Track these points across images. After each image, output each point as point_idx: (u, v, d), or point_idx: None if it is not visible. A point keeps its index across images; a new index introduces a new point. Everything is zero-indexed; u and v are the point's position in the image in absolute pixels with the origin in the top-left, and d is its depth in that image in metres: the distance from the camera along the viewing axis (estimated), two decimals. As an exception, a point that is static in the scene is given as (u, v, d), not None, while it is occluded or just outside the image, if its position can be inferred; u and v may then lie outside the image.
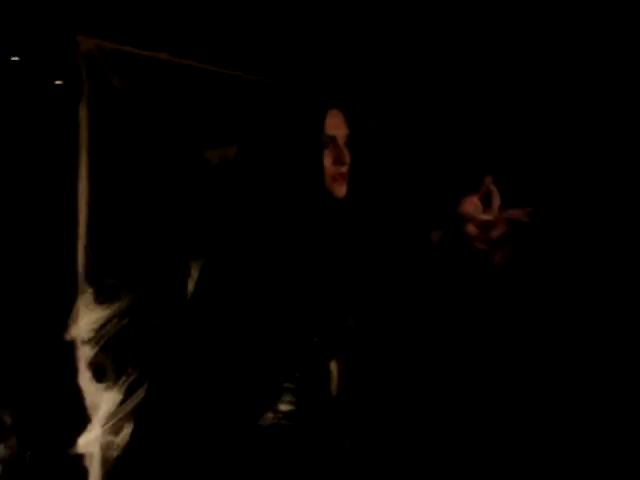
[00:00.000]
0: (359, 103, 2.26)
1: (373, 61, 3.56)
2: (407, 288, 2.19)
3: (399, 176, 2.30)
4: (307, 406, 2.14)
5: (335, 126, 2.15)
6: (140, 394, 3.36)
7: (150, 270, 3.39)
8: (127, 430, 3.34)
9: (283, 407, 2.11)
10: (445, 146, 3.55)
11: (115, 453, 3.28)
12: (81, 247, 3.28)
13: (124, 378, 3.35)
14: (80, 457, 3.25)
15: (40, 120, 3.24)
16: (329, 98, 2.17)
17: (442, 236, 2.10)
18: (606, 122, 3.37)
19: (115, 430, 3.33)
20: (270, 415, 2.09)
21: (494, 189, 2.04)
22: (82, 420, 3.29)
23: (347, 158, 2.16)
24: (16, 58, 3.27)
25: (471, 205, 2.06)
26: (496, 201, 2.03)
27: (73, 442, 3.25)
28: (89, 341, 3.31)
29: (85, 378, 3.29)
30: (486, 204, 2.05)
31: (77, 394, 3.27)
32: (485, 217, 2.03)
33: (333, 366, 2.28)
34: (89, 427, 3.29)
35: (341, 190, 2.16)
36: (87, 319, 3.30)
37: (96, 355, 3.32)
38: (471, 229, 2.05)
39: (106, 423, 3.32)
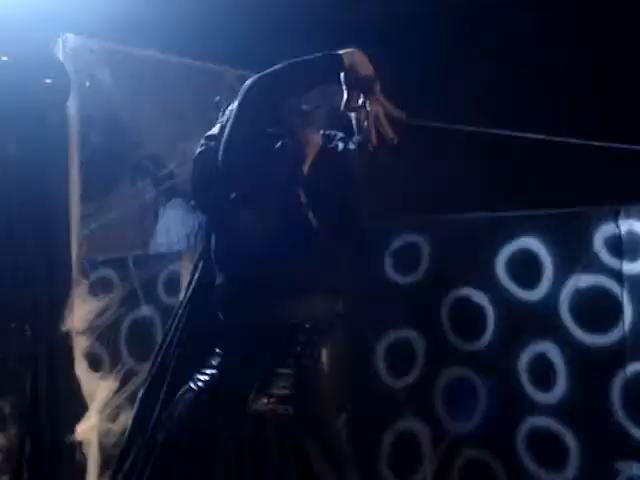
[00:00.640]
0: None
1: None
2: None
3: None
4: (301, 391, 2.20)
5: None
6: (135, 383, 3.44)
7: (143, 262, 3.46)
8: (123, 417, 3.42)
9: (277, 392, 2.16)
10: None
11: (112, 440, 3.35)
12: (75, 241, 3.34)
13: (119, 367, 3.43)
14: (79, 444, 3.32)
15: (31, 118, 3.27)
16: None
17: None
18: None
19: (112, 417, 3.40)
20: (264, 400, 2.15)
21: None
22: (80, 408, 3.35)
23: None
24: (4, 58, 3.29)
25: None
26: None
27: (71, 430, 3.31)
28: (84, 332, 3.37)
29: (81, 368, 3.36)
30: None
31: (74, 383, 3.34)
32: None
33: (324, 351, 2.33)
34: (87, 415, 3.36)
35: (315, 137, 2.25)
36: (82, 310, 3.36)
37: (91, 345, 3.39)
38: None
39: (103, 411, 3.39)
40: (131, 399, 3.40)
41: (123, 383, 3.43)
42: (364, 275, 3.13)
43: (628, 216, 3.29)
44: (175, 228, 3.63)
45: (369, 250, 2.42)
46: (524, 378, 3.45)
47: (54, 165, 3.34)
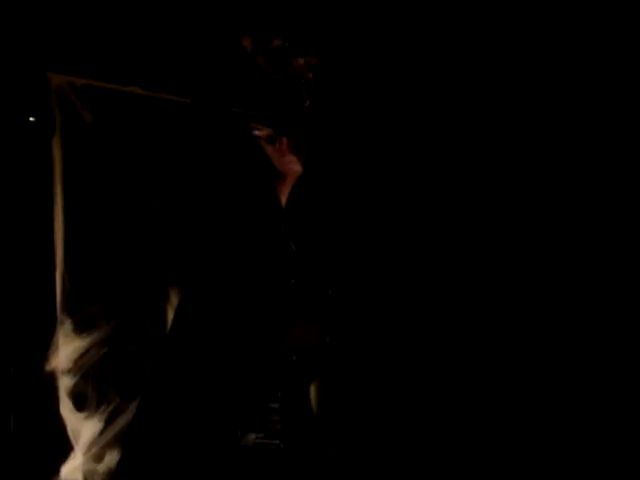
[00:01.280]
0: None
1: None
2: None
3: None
4: (290, 425, 2.19)
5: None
6: (121, 422, 3.41)
7: (128, 298, 3.44)
8: (109, 457, 3.38)
9: (266, 426, 2.16)
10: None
11: (98, 480, 3.32)
12: (59, 278, 3.32)
13: (105, 406, 3.39)
14: (64, 485, 3.28)
15: (14, 156, 3.27)
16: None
17: None
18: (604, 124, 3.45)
19: (97, 458, 3.36)
20: (253, 435, 2.14)
21: None
22: (64, 449, 3.31)
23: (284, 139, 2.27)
24: (-13, 96, 3.30)
25: None
26: None
27: (56, 471, 3.27)
28: (69, 371, 3.34)
29: (66, 407, 3.32)
30: None
31: (59, 424, 3.30)
32: None
33: (313, 384, 2.33)
34: (71, 455, 3.32)
35: (296, 165, 2.28)
36: (66, 349, 3.33)
37: (76, 384, 3.35)
38: None
39: (88, 451, 3.35)
40: (117, 438, 3.36)
41: (109, 422, 3.39)
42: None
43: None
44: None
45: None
46: None
47: (37, 204, 3.32)
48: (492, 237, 3.64)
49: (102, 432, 3.38)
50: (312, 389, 2.34)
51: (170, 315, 3.47)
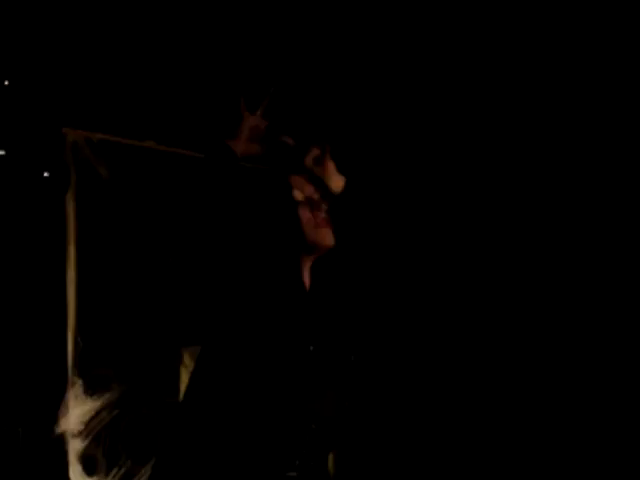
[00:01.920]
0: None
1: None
2: None
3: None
4: None
5: (299, 186, 2.26)
6: (132, 486, 3.32)
7: (141, 359, 3.37)
8: (119, 523, 3.29)
9: None
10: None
11: None
12: (70, 338, 3.26)
13: (116, 470, 3.31)
14: None
15: (29, 212, 3.24)
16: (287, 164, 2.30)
17: None
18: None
19: (107, 523, 3.27)
20: None
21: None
22: (74, 514, 3.23)
23: (322, 205, 2.25)
24: (2, 152, 3.29)
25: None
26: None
27: (65, 537, 3.19)
28: (79, 434, 3.27)
29: (76, 471, 3.25)
30: None
31: (68, 486, 3.22)
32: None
33: (331, 452, 2.26)
34: (81, 521, 3.23)
35: (328, 238, 2.23)
36: (77, 411, 3.26)
37: (87, 448, 3.28)
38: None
39: (98, 517, 3.26)
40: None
41: (120, 487, 3.31)
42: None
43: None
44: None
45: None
46: None
47: (50, 261, 3.28)
48: (499, 257, 3.62)
49: (112, 497, 3.29)
50: (330, 458, 2.28)
51: (184, 377, 3.40)
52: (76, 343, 3.27)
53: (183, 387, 3.40)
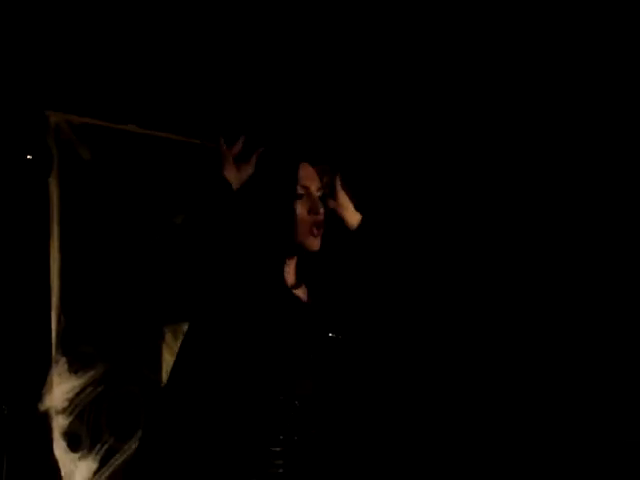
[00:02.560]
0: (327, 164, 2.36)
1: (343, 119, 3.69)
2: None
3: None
4: (293, 468, 2.15)
5: (308, 178, 2.26)
6: (115, 462, 3.37)
7: (124, 337, 3.41)
8: (103, 498, 3.34)
9: (269, 471, 2.12)
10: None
11: (91, 522, 3.27)
12: (54, 316, 3.29)
13: (99, 446, 3.35)
14: (56, 527, 3.23)
15: (11, 194, 3.26)
16: (301, 152, 2.31)
17: None
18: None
19: (91, 499, 3.32)
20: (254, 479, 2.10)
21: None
22: (58, 490, 3.26)
23: (321, 208, 2.25)
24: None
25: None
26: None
27: (49, 512, 3.22)
28: (63, 410, 3.30)
29: (60, 448, 3.28)
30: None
31: (52, 464, 3.26)
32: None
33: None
34: (65, 497, 3.27)
35: (315, 243, 2.24)
36: (61, 388, 3.30)
37: (71, 424, 3.32)
38: None
39: (82, 492, 3.31)
40: (112, 479, 3.32)
41: (103, 463, 3.35)
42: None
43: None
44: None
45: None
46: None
47: (34, 242, 3.31)
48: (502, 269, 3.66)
49: (96, 473, 3.34)
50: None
51: (166, 354, 3.45)
52: (59, 321, 3.30)
53: (165, 364, 3.46)
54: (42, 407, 3.26)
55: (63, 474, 3.29)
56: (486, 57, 3.63)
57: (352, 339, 2.29)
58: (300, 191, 2.24)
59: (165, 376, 3.45)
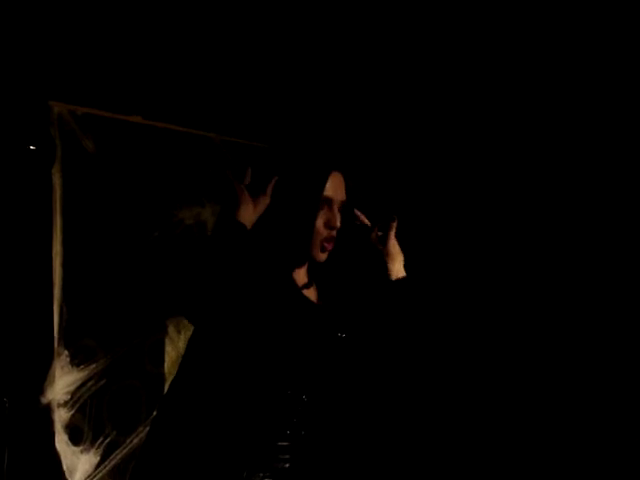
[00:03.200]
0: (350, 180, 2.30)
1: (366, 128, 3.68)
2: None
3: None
4: (300, 463, 2.13)
5: (334, 189, 2.19)
6: (117, 456, 3.35)
7: (126, 330, 3.40)
8: (105, 492, 3.33)
9: (275, 465, 2.10)
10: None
11: (93, 516, 3.26)
12: (57, 309, 3.27)
13: (101, 440, 3.34)
14: (58, 521, 3.22)
15: (14, 184, 3.24)
16: (335, 160, 2.22)
17: None
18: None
19: (93, 493, 3.31)
20: (260, 474, 2.09)
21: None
22: (59, 483, 3.25)
23: (338, 223, 2.19)
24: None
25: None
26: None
27: (51, 506, 3.21)
28: (65, 404, 3.29)
29: (62, 441, 3.27)
30: None
31: (54, 457, 3.24)
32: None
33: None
34: (67, 491, 3.26)
35: (322, 257, 2.20)
36: (63, 382, 3.28)
37: (72, 417, 3.30)
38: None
39: (83, 486, 3.30)
40: (113, 473, 3.31)
41: (105, 456, 3.34)
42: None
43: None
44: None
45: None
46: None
47: (36, 234, 3.29)
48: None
49: (98, 466, 3.33)
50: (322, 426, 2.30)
51: (168, 348, 3.43)
52: (62, 314, 3.28)
53: (168, 358, 3.45)
54: (44, 400, 3.24)
55: (64, 467, 3.27)
56: (488, 58, 3.62)
57: (360, 338, 2.27)
58: (322, 200, 2.18)
59: (167, 370, 3.43)
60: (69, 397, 3.29)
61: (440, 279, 3.64)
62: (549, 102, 3.57)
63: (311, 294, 2.25)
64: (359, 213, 2.34)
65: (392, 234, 2.32)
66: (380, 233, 2.33)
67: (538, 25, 3.48)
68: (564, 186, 3.55)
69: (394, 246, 2.32)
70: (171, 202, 3.48)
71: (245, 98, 3.57)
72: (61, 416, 3.27)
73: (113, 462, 3.33)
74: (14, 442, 3.17)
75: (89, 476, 3.31)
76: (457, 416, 3.66)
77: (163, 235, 3.45)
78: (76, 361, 3.31)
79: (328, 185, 2.18)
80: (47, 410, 3.25)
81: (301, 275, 2.25)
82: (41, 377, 3.25)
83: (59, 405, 3.27)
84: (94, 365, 3.34)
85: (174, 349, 3.43)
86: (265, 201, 2.15)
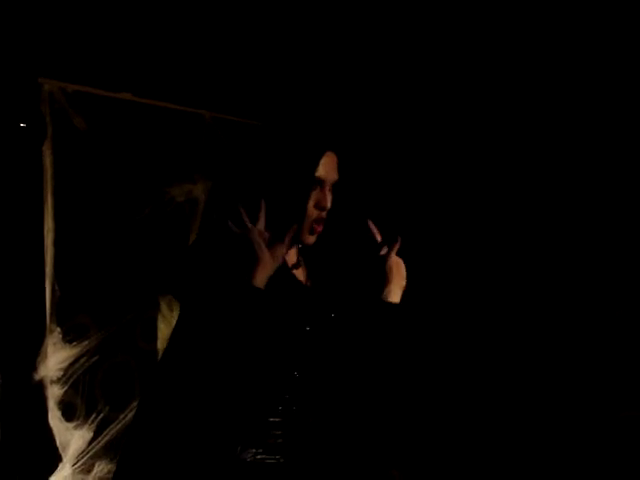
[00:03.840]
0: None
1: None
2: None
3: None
4: (291, 439, 2.14)
5: (327, 169, 2.16)
6: (110, 432, 3.37)
7: (118, 307, 3.41)
8: (98, 468, 3.34)
9: (267, 441, 2.11)
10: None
11: (86, 491, 3.28)
12: (48, 286, 3.28)
13: (94, 416, 3.36)
14: (52, 496, 3.24)
15: (5, 162, 3.23)
16: (328, 140, 2.19)
17: None
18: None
19: (86, 468, 3.33)
20: (253, 450, 2.09)
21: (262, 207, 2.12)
22: (53, 459, 3.27)
23: (329, 204, 2.17)
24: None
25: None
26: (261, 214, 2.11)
27: (44, 481, 3.23)
28: (58, 380, 3.30)
29: (55, 417, 3.29)
30: None
31: (47, 433, 3.26)
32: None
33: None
34: (60, 466, 3.28)
35: (310, 239, 2.18)
36: (56, 358, 3.29)
37: (65, 394, 3.32)
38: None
39: (77, 462, 3.31)
40: (106, 449, 3.33)
41: (98, 432, 3.36)
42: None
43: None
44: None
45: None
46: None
47: (28, 211, 3.29)
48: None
49: (91, 442, 3.35)
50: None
51: (160, 325, 3.45)
52: (54, 291, 3.28)
53: (160, 334, 3.46)
54: (37, 377, 3.26)
55: (58, 443, 3.29)
56: (488, 58, 3.62)
57: (348, 318, 2.27)
58: (314, 181, 2.15)
59: (160, 346, 3.45)
60: (62, 374, 3.30)
61: (436, 282, 3.64)
62: (549, 102, 3.57)
63: (300, 274, 2.25)
64: (373, 227, 2.29)
65: (393, 253, 2.27)
66: (385, 250, 2.28)
67: (538, 25, 3.47)
68: (564, 187, 3.55)
69: (398, 267, 2.27)
70: (162, 179, 3.48)
71: (236, 75, 3.57)
72: (54, 393, 3.29)
73: (106, 438, 3.35)
74: (8, 419, 3.18)
75: (82, 452, 3.32)
76: (448, 395, 3.68)
77: (154, 212, 3.45)
78: (68, 338, 3.32)
79: (321, 165, 2.15)
80: (40, 387, 3.26)
81: (291, 255, 2.23)
82: (34, 354, 3.26)
83: (52, 382, 3.28)
84: (86, 342, 3.35)
85: (167, 326, 3.44)
86: (282, 252, 2.09)
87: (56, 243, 3.30)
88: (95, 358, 3.36)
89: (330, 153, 2.18)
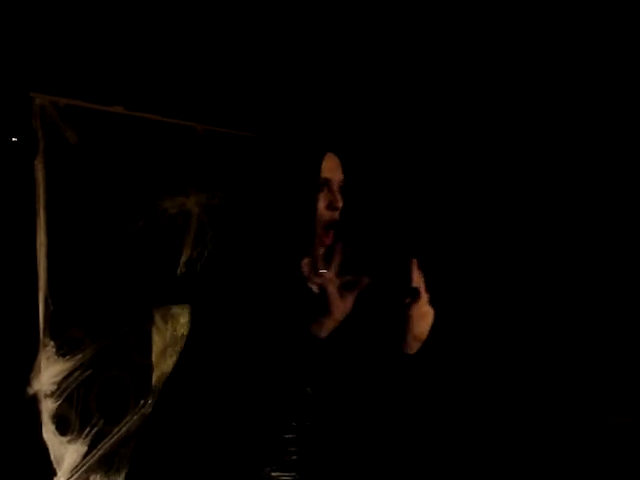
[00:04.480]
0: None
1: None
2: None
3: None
4: (306, 456, 2.13)
5: (331, 169, 2.17)
6: (105, 446, 3.37)
7: (112, 320, 3.40)
8: (92, 481, 3.34)
9: (282, 458, 2.09)
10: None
11: (81, 506, 3.27)
12: (42, 300, 3.28)
13: (88, 430, 3.35)
14: (46, 511, 3.23)
15: (-3, 176, 3.24)
16: (327, 142, 2.20)
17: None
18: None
19: (81, 482, 3.32)
20: (268, 469, 2.07)
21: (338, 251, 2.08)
22: (47, 473, 3.26)
23: (340, 203, 2.16)
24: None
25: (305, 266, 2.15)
26: (336, 260, 2.07)
27: (39, 496, 3.22)
28: (52, 394, 3.30)
29: (49, 431, 3.28)
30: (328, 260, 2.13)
31: (41, 448, 3.25)
32: (317, 280, 2.08)
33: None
34: (54, 480, 3.28)
35: (320, 251, 2.16)
36: (49, 372, 3.29)
37: (59, 407, 3.31)
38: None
39: (71, 476, 3.31)
40: (101, 462, 3.33)
41: (92, 446, 3.35)
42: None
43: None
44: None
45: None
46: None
47: (20, 226, 3.29)
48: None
49: (85, 456, 3.34)
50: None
51: (155, 338, 3.45)
52: (47, 304, 3.28)
53: (155, 347, 3.46)
54: (30, 391, 3.25)
55: (52, 457, 3.28)
56: (488, 58, 3.64)
57: (365, 331, 2.25)
58: (321, 182, 2.14)
59: (155, 359, 3.45)
60: (56, 387, 3.30)
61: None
62: (549, 102, 3.58)
63: (315, 284, 2.23)
64: (415, 269, 2.16)
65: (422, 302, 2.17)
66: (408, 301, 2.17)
67: (538, 25, 3.49)
68: (564, 188, 3.56)
69: (425, 317, 2.16)
70: (155, 192, 3.49)
71: (228, 87, 3.58)
72: (48, 406, 3.28)
73: (101, 451, 3.35)
74: (1, 433, 3.17)
75: (77, 466, 3.32)
76: (456, 401, 3.68)
77: (147, 225, 3.46)
78: (62, 351, 3.31)
79: (324, 167, 2.15)
80: (34, 401, 3.26)
81: (308, 263, 2.20)
82: (27, 368, 3.26)
83: (46, 396, 3.28)
84: (80, 355, 3.35)
85: (161, 339, 3.44)
86: (350, 305, 2.04)
87: (49, 257, 3.29)
88: (89, 372, 3.35)
89: (331, 154, 2.19)
